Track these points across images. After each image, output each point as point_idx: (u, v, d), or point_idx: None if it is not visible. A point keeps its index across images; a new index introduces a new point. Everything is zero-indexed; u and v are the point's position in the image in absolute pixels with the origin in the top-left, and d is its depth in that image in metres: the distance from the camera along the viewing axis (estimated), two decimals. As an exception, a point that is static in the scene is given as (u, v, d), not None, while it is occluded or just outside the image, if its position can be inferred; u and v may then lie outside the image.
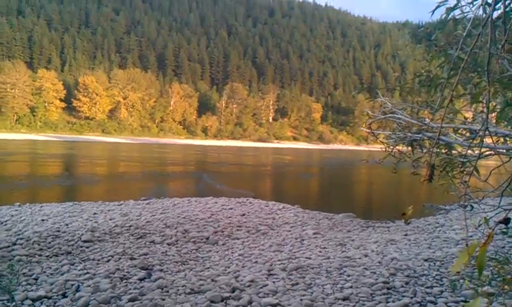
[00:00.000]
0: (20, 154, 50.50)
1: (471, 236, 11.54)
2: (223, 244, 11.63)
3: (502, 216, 1.66)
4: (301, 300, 6.71)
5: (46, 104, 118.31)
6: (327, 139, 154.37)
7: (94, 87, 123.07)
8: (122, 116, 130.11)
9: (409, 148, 3.62)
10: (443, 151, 3.15)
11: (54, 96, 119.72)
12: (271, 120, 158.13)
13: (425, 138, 3.27)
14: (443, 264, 8.70)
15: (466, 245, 1.34)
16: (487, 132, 2.08)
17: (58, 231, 12.06)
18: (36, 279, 8.24)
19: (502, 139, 3.08)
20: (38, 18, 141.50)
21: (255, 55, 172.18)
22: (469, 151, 2.98)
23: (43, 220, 13.81)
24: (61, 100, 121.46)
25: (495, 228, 1.40)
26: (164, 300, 6.84)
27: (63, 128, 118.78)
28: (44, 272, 8.71)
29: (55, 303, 6.94)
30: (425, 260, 9.03)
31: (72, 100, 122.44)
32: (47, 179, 29.75)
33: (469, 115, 3.78)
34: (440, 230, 13.76)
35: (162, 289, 7.48)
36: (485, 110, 3.37)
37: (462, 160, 3.04)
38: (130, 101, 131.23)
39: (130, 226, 12.81)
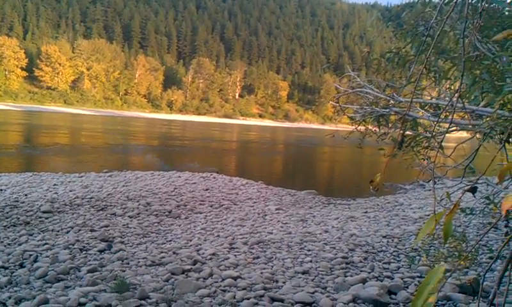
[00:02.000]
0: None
1: (428, 214, 11.86)
2: (186, 218, 11.59)
3: (469, 187, 1.69)
4: (262, 273, 6.75)
5: (6, 72, 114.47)
6: (293, 117, 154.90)
7: (57, 57, 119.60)
8: (85, 87, 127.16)
9: (375, 125, 3.64)
10: (409, 126, 3.18)
11: (15, 64, 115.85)
12: (237, 97, 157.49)
13: (393, 113, 3.29)
14: (400, 241, 8.90)
15: (434, 213, 1.34)
16: (454, 108, 2.09)
17: (16, 201, 11.79)
18: (-8, 248, 8.05)
19: (467, 117, 3.13)
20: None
21: (223, 31, 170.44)
22: (435, 127, 3.01)
23: (0, 189, 13.49)
24: (22, 68, 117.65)
25: (460, 198, 1.40)
26: (124, 271, 6.78)
27: (23, 97, 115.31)
28: (1, 242, 8.52)
29: (12, 273, 6.80)
30: (384, 237, 9.21)
31: (34, 69, 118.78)
32: (6, 148, 28.94)
33: (434, 94, 3.82)
34: (398, 208, 14.06)
35: (122, 261, 7.41)
36: (451, 88, 3.41)
37: (427, 135, 3.07)
38: (94, 72, 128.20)
39: (91, 198, 12.63)
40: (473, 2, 2.13)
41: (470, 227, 9.67)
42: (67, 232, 9.42)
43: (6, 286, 6.25)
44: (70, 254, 7.68)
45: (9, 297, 5.66)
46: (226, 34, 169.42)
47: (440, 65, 3.44)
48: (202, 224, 10.95)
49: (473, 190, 1.64)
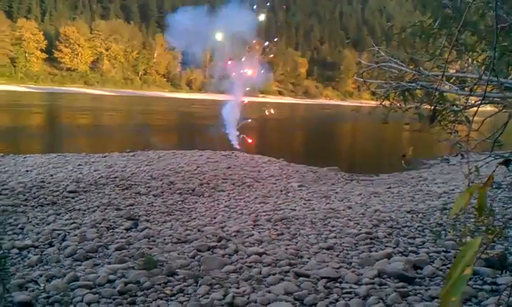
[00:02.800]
0: (0, 105, 49.65)
1: (452, 190, 11.77)
2: (209, 196, 11.71)
3: (503, 159, 1.68)
4: (286, 249, 6.81)
5: (26, 55, 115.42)
6: (312, 93, 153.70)
7: (75, 38, 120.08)
8: (105, 67, 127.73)
9: (401, 100, 3.61)
10: (436, 100, 3.14)
11: (34, 46, 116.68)
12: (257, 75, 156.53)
13: (419, 87, 3.26)
14: (425, 216, 8.85)
15: (468, 185, 1.35)
16: (486, 81, 2.08)
17: (43, 181, 12.01)
18: (22, 228, 8.27)
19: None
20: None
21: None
22: (462, 101, 2.99)
23: (27, 171, 13.75)
24: (41, 50, 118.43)
25: (495, 170, 1.41)
26: (151, 249, 6.90)
27: (44, 79, 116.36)
28: (30, 221, 8.73)
29: (42, 252, 6.98)
30: (408, 212, 9.18)
31: (53, 50, 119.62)
32: (30, 130, 29.39)
33: (456, 67, 3.76)
34: (423, 184, 13.97)
35: (148, 239, 7.54)
36: (475, 61, 3.36)
37: (455, 109, 3.05)
38: (113, 52, 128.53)
39: (115, 178, 12.80)
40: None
41: (496, 201, 9.57)
42: (93, 211, 9.61)
43: (36, 265, 6.43)
44: (98, 232, 7.84)
45: (41, 275, 5.83)
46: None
47: (465, 38, 3.39)
48: (225, 201, 11.05)
49: (507, 163, 1.62)
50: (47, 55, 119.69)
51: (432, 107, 2.29)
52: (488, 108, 3.37)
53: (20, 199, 10.17)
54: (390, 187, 13.21)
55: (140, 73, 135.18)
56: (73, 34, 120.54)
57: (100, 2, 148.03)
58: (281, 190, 12.38)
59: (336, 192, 12.32)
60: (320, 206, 10.18)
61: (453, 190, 11.84)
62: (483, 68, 3.32)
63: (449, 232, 6.86)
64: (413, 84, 3.24)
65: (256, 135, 36.65)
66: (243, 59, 28.23)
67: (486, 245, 5.39)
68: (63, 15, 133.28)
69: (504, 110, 2.90)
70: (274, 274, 5.80)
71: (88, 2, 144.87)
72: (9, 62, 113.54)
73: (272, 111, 31.55)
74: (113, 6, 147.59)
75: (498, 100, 2.72)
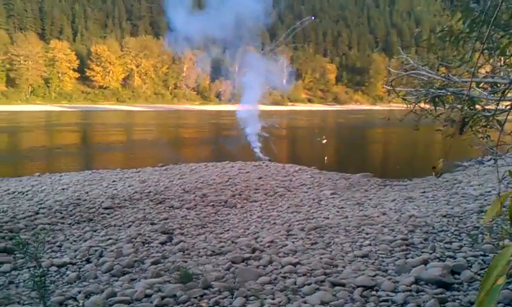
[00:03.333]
0: (36, 125, 50.95)
1: (489, 192, 11.49)
2: (241, 207, 11.74)
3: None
4: (321, 258, 6.77)
5: (60, 75, 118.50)
6: (342, 99, 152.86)
7: (106, 56, 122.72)
8: (136, 83, 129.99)
9: (431, 105, 3.58)
10: (465, 106, 3.10)
11: (67, 66, 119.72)
12: (284, 83, 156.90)
13: (449, 93, 3.22)
14: (461, 220, 8.68)
15: (498, 194, 1.34)
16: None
17: (79, 199, 12.26)
18: (60, 246, 8.44)
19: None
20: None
21: (267, 18, 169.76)
22: (493, 106, 2.94)
23: (63, 189, 14.04)
24: (74, 70, 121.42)
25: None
26: (186, 262, 6.97)
27: (77, 98, 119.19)
28: (67, 239, 8.90)
29: (80, 269, 7.11)
30: (444, 216, 9.01)
31: (85, 69, 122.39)
32: (65, 149, 30.07)
33: (487, 70, 3.70)
34: (458, 187, 13.69)
35: (183, 252, 7.61)
36: (507, 64, 3.30)
37: (486, 114, 3.00)
38: (143, 68, 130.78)
39: (149, 192, 12.98)
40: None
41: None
42: (129, 226, 9.75)
43: (75, 282, 6.55)
44: (133, 247, 7.95)
45: (79, 292, 5.93)
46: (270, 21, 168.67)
47: (496, 40, 3.33)
48: (258, 212, 11.06)
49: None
50: (79, 74, 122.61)
51: (462, 116, 2.26)
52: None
53: (57, 217, 10.40)
54: (424, 191, 12.99)
55: (170, 87, 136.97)
56: (104, 53, 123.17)
57: (130, 19, 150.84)
58: (313, 199, 12.34)
59: (370, 199, 12.20)
60: (353, 214, 10.09)
61: (489, 192, 11.58)
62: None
63: (486, 235, 6.70)
64: (443, 91, 3.21)
65: (287, 143, 36.65)
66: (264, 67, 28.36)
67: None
68: (93, 34, 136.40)
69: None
70: (309, 284, 5.78)
71: (118, 20, 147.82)
72: (43, 83, 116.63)
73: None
74: (142, 22, 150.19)
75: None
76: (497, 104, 2.79)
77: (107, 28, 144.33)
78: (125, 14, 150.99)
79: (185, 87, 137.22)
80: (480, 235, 7.27)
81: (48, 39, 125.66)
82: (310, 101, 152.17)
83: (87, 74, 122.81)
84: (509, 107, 2.66)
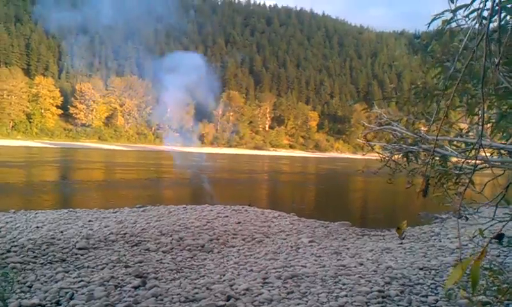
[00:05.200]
0: (15, 161, 50.33)
1: (466, 245, 11.56)
2: (218, 252, 11.61)
3: (497, 231, 1.67)
4: (296, 309, 6.69)
5: (42, 111, 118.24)
6: (323, 147, 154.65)
7: (91, 94, 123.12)
8: (119, 123, 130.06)
9: (405, 159, 3.63)
10: (438, 163, 3.16)
11: (50, 103, 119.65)
12: (267, 128, 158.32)
13: (421, 150, 3.28)
14: (438, 273, 8.70)
15: (460, 260, 1.34)
16: (482, 145, 2.09)
17: (53, 238, 12.00)
18: (30, 286, 8.20)
19: (496, 152, 3.10)
20: (36, 25, 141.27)
21: (252, 64, 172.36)
22: (464, 164, 2.99)
23: (37, 227, 13.75)
24: (57, 106, 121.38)
25: (488, 244, 1.40)
26: (158, 308, 6.81)
27: (59, 135, 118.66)
28: (38, 279, 8.67)
29: (49, 311, 6.91)
30: (421, 269, 9.03)
31: (69, 106, 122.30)
32: (43, 186, 29.64)
33: (464, 126, 3.79)
34: (435, 239, 13.76)
35: (156, 297, 7.45)
36: (480, 122, 3.38)
37: (457, 172, 3.05)
38: (127, 108, 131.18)
39: (125, 234, 12.77)
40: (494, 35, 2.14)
41: (510, 257, 9.38)
42: (102, 268, 9.54)
43: (43, 324, 6.36)
44: (105, 291, 7.76)
45: (47, 336, 5.75)
46: (255, 67, 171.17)
47: (471, 93, 3.41)
48: (235, 258, 10.94)
49: (499, 237, 1.61)
50: (62, 112, 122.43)
51: (426, 178, 2.29)
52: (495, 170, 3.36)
53: (30, 256, 10.15)
54: (401, 243, 13.02)
55: (153, 128, 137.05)
56: (88, 91, 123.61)
57: (116, 59, 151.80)
58: (291, 246, 12.26)
59: (348, 248, 12.17)
60: (331, 263, 10.04)
61: (466, 245, 11.65)
62: (488, 127, 3.34)
63: (460, 291, 6.69)
64: (415, 147, 3.27)
65: (267, 188, 36.67)
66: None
67: (498, 305, 5.26)
68: (79, 71, 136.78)
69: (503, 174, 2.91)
70: (283, 335, 5.68)
71: (104, 60, 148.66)
72: (25, 118, 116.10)
73: None
74: (128, 62, 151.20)
75: (499, 164, 2.73)
76: (462, 162, 2.84)
77: (93, 66, 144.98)
78: (112, 53, 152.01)
79: (168, 128, 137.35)
80: (456, 289, 7.26)
81: (33, 75, 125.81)
82: (291, 147, 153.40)
83: (70, 111, 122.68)
84: (481, 166, 2.72)
